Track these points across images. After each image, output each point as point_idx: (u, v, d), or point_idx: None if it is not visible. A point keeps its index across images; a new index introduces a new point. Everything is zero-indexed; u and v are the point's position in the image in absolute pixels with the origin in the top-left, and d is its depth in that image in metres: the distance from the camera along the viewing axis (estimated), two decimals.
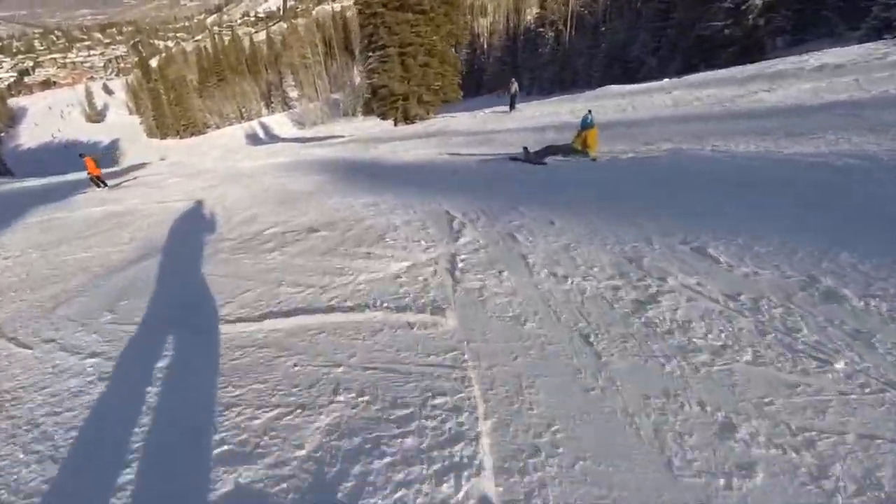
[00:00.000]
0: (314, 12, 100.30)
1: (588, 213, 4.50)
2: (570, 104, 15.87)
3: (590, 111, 8.34)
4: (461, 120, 18.85)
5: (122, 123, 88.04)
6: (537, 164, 8.01)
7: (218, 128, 67.72)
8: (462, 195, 6.17)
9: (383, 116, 25.39)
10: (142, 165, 33.69)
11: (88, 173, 14.04)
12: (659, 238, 3.58)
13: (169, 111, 71.36)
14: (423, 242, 4.21)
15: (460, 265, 3.56)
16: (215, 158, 26.72)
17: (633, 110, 12.01)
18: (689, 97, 11.50)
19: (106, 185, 14.11)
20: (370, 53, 22.63)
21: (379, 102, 23.92)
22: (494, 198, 5.67)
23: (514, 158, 8.64)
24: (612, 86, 17.03)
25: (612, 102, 13.60)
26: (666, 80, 16.03)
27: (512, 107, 17.50)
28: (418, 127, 21.56)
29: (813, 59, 12.08)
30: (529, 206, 5.01)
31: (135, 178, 19.34)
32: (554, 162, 7.82)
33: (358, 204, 6.67)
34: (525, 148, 8.54)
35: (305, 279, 3.71)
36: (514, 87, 17.71)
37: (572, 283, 3.05)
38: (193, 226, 6.76)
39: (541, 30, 43.63)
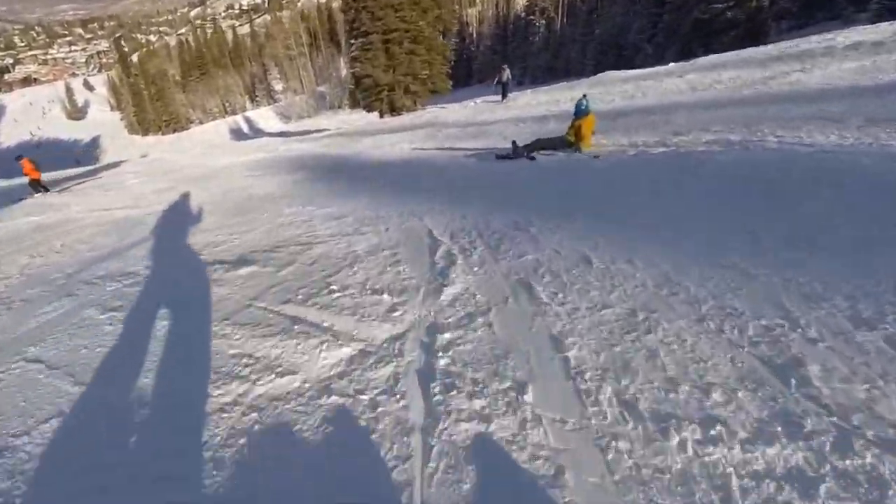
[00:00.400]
0: (299, 3, 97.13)
1: (656, 243, 2.95)
2: (569, 91, 14.42)
3: (584, 96, 6.99)
4: (451, 111, 17.32)
5: (104, 120, 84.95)
6: (529, 158, 6.69)
7: (201, 123, 65.21)
8: (450, 204, 4.74)
9: (369, 108, 23.78)
10: (116, 164, 32.16)
11: (28, 177, 12.32)
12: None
13: (150, 107, 68.66)
14: (387, 296, 2.74)
15: (443, 362, 2.05)
16: (194, 155, 25.08)
17: (642, 97, 10.59)
18: (706, 80, 10.09)
19: (47, 190, 12.44)
20: (352, 41, 20.95)
21: (363, 93, 22.30)
22: (492, 209, 4.25)
23: (501, 157, 7.23)
24: (613, 71, 15.58)
25: (616, 88, 12.17)
26: (672, 63, 14.59)
27: (504, 96, 15.97)
28: (406, 119, 20.02)
29: (840, 37, 10.72)
30: (543, 224, 3.59)
31: (98, 178, 17.72)
32: (546, 160, 6.40)
33: (319, 216, 5.20)
34: (514, 142, 7.15)
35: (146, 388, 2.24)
36: (506, 73, 16.10)
37: (687, 442, 1.50)
38: (107, 249, 5.23)
39: (531, 17, 41.97)
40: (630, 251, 2.84)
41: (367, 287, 2.89)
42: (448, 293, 2.62)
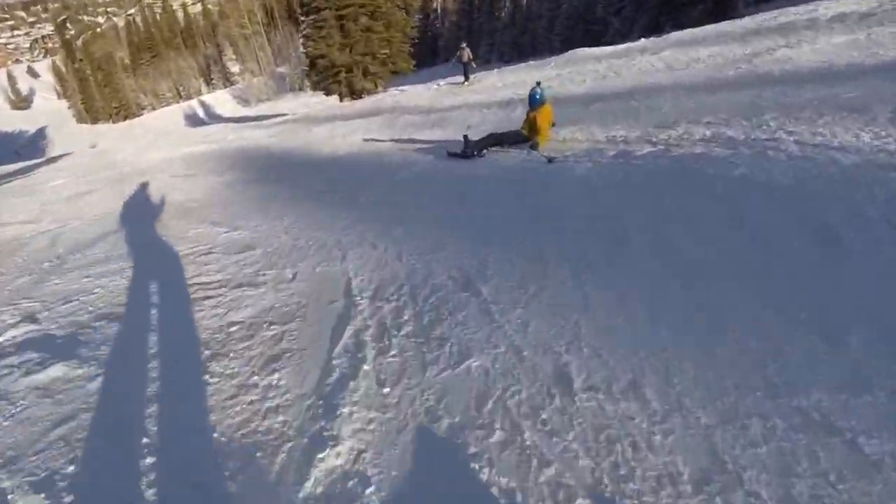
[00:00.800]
0: None
1: (692, 350, 1.83)
2: (537, 71, 13.30)
3: (538, 83, 6.05)
4: (413, 94, 15.96)
5: (50, 109, 78.75)
6: (478, 155, 5.70)
7: (154, 109, 61.01)
8: (386, 231, 3.68)
9: (326, 91, 22.07)
10: (58, 158, 29.99)
11: None
12: None
13: (98, 94, 63.79)
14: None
15: None
16: (139, 147, 23.04)
17: (616, 76, 9.61)
18: (683, 58, 9.15)
19: None
20: (303, 18, 19.11)
21: (319, 75, 20.60)
22: (437, 242, 3.22)
23: (453, 154, 6.19)
24: (583, 48, 14.48)
25: (587, 68, 11.13)
26: (644, 39, 13.57)
27: (466, 77, 14.68)
28: (366, 103, 18.54)
29: (822, 8, 9.90)
30: (502, 280, 2.56)
31: (30, 176, 15.90)
32: (503, 163, 5.34)
33: (223, 244, 4.07)
34: (465, 137, 6.11)
35: None
36: (467, 53, 14.71)
37: None
38: None
39: None
40: (644, 368, 1.75)
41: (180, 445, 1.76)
42: (323, 468, 1.55)
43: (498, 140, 5.91)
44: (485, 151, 5.90)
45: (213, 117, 47.51)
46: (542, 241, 2.97)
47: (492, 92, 12.40)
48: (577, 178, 4.05)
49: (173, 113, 55.31)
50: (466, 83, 14.26)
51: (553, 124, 5.95)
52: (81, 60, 69.36)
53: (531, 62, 15.76)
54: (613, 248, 2.73)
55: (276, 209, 5.21)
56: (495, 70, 16.26)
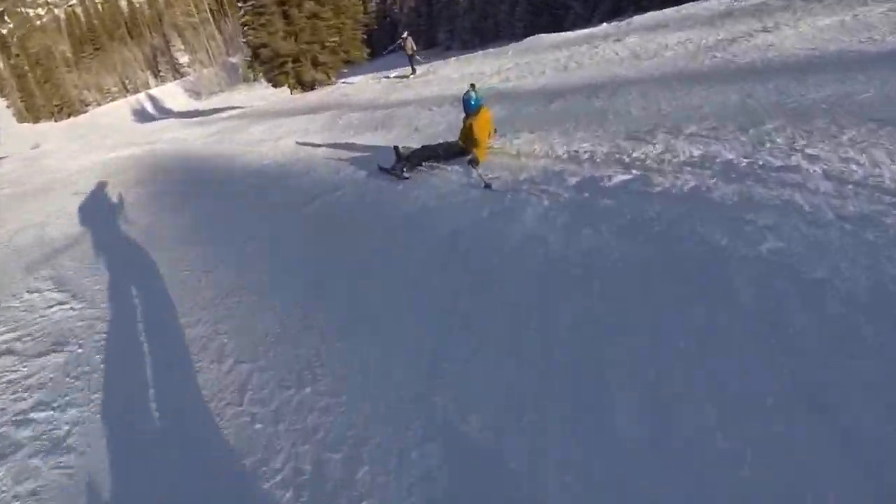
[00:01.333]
0: None
1: None
2: (495, 60, 12.17)
3: (472, 86, 4.93)
4: (361, 87, 14.57)
5: None
6: (402, 177, 4.57)
7: (98, 105, 56.61)
8: (257, 326, 2.53)
9: (275, 84, 20.33)
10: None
11: None
12: None
13: (38, 90, 58.81)
14: None
15: None
16: (72, 152, 20.80)
17: (578, 67, 8.55)
18: (651, 45, 8.17)
19: None
20: (240, 3, 17.24)
21: (263, 66, 18.86)
22: (310, 376, 2.11)
23: (385, 169, 5.03)
24: (544, 35, 13.37)
25: (548, 57, 10.05)
26: (606, 24, 12.57)
27: (413, 69, 13.46)
28: (314, 97, 17.00)
29: None
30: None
31: None
32: (443, 191, 4.17)
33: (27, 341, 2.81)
34: (396, 148, 4.94)
35: None
36: (409, 43, 13.48)
37: None
38: None
39: None
40: None
41: None
42: None
43: (433, 153, 4.76)
44: (421, 167, 4.75)
45: (164, 112, 44.35)
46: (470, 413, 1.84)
47: (446, 85, 11.21)
48: (525, 236, 2.90)
49: (120, 109, 51.51)
50: (413, 75, 13.07)
51: (494, 131, 4.84)
52: (17, 56, 63.69)
53: (490, 50, 14.57)
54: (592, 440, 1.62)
55: (129, 270, 3.96)
56: (452, 59, 14.97)
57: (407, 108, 9.62)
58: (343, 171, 5.62)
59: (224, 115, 21.33)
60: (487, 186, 3.74)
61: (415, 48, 13.44)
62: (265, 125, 12.67)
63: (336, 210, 4.50)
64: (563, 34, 12.70)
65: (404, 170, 4.62)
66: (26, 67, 60.18)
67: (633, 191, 2.88)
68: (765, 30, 6.90)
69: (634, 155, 3.38)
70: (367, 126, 8.95)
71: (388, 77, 13.82)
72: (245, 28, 17.68)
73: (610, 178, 3.11)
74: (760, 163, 2.76)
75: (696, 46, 7.18)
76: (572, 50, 9.89)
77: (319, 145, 7.92)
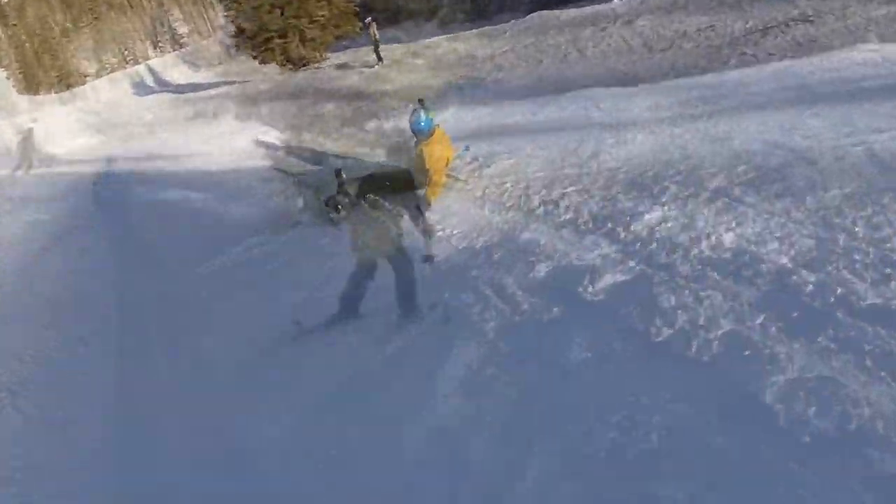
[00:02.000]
0: None
1: None
2: (488, 42, 10.82)
3: (421, 102, 3.85)
4: (345, 71, 13.40)
5: None
6: (330, 217, 3.49)
7: (98, 76, 54.95)
8: None
9: (261, 60, 18.89)
10: None
11: None
12: None
13: (36, 62, 57.26)
14: None
15: None
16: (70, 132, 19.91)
17: (580, 57, 7.32)
18: (666, 32, 6.89)
19: None
20: None
21: (248, 42, 17.47)
22: None
23: (326, 202, 3.91)
24: (546, 11, 11.84)
25: (547, 42, 8.75)
26: (617, 0, 11.03)
27: (379, 58, 12.34)
28: (299, 77, 15.83)
29: None
30: None
31: None
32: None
33: None
34: (337, 172, 3.80)
35: None
36: (373, 29, 12.33)
37: None
38: None
39: None
40: None
41: None
42: None
43: (379, 184, 3.68)
44: (364, 201, 3.68)
45: (163, 84, 42.77)
46: None
47: (438, 71, 9.91)
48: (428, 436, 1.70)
49: (119, 80, 49.97)
50: (379, 64, 12.01)
51: (449, 161, 3.73)
52: (15, 25, 61.83)
53: (485, 28, 13.08)
54: None
55: None
56: (445, 35, 13.53)
57: (392, 99, 8.43)
58: (275, 198, 4.57)
59: (212, 92, 20.19)
60: (427, 259, 2.72)
61: (377, 37, 12.35)
62: (231, 113, 11.48)
63: (224, 283, 3.37)
64: (568, 11, 11.19)
65: (339, 207, 3.55)
66: (24, 37, 58.52)
67: (628, 314, 1.79)
68: (804, 18, 5.62)
69: (633, 228, 2.31)
70: (337, 121, 7.82)
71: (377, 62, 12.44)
72: (227, 1, 16.18)
73: (595, 274, 2.04)
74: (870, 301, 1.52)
75: (718, 37, 5.94)
76: (576, 34, 8.55)
77: (278, 147, 6.86)
